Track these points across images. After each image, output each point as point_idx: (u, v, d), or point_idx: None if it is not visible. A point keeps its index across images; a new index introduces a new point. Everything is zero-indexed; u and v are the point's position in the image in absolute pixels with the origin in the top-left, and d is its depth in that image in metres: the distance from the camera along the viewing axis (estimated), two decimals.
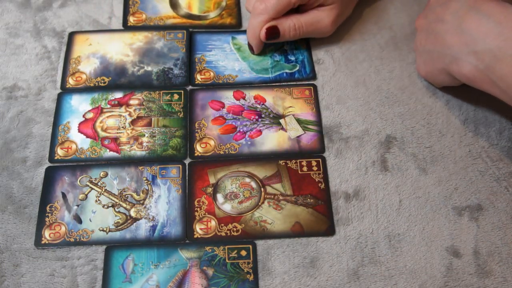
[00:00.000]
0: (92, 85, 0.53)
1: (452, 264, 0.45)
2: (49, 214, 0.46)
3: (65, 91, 0.53)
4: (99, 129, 0.51)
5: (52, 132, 0.50)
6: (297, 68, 0.55)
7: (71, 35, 0.57)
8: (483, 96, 0.51)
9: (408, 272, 0.45)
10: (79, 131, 0.50)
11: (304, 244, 0.46)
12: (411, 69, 0.55)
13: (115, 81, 0.54)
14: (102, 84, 0.53)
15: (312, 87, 0.54)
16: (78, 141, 0.50)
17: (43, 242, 0.45)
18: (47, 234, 0.45)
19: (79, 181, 0.48)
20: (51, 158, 0.49)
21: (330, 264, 0.45)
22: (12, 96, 0.53)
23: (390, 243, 0.46)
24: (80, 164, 0.49)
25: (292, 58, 0.56)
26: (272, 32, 0.53)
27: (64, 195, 0.47)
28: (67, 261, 0.45)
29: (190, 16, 0.58)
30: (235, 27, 0.58)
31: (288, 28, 0.53)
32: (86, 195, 0.47)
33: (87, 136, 0.50)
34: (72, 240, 0.45)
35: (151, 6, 0.59)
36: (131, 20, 0.58)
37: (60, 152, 0.49)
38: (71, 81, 0.53)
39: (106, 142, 0.50)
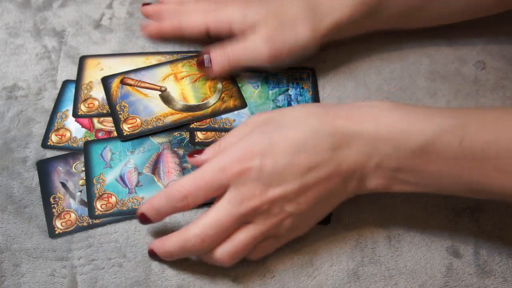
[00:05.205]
0: (105, 111, 0.52)
1: (452, 264, 0.45)
2: (55, 205, 0.47)
3: (77, 117, 0.52)
4: (95, 121, 0.51)
5: (50, 117, 0.51)
6: None
7: (82, 60, 0.55)
8: (483, 97, 0.51)
9: (408, 272, 0.45)
10: (76, 120, 0.51)
11: (303, 243, 0.46)
12: (411, 69, 0.55)
13: None
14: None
15: None
16: (73, 129, 0.51)
17: (57, 232, 0.46)
18: (58, 223, 0.46)
19: (74, 168, 0.48)
20: (44, 143, 0.50)
21: (330, 264, 0.45)
22: (12, 96, 0.53)
23: (390, 243, 0.46)
24: (71, 153, 0.50)
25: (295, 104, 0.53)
26: (200, 62, 0.52)
27: (64, 185, 0.48)
28: (67, 261, 0.45)
29: (188, 108, 0.52)
30: (242, 107, 0.52)
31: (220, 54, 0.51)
32: None
33: (82, 126, 0.51)
34: (85, 224, 0.46)
35: (142, 108, 0.51)
36: (126, 128, 0.50)
37: (54, 138, 0.50)
38: (83, 108, 0.52)
39: (100, 134, 0.50)
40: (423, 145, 0.38)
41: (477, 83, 0.54)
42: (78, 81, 0.54)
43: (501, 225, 0.47)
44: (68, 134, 0.50)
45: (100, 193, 0.47)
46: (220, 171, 0.40)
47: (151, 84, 0.53)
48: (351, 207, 0.47)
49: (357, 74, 0.55)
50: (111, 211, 0.46)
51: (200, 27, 0.52)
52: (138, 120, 0.50)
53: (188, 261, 0.45)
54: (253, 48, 0.50)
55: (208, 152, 0.45)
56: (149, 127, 0.50)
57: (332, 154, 0.40)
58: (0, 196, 0.48)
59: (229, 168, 0.40)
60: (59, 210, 0.47)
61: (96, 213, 0.46)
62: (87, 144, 0.49)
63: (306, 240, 0.46)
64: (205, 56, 0.51)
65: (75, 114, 0.51)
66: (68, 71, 0.55)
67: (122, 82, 0.53)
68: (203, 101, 0.52)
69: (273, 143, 0.40)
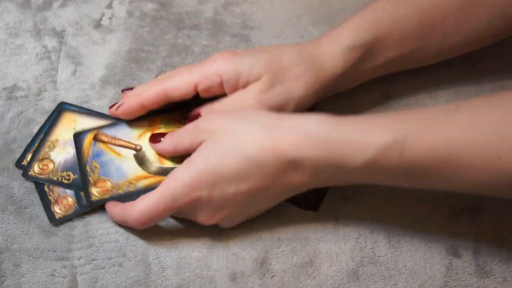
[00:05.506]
0: (55, 179, 0.48)
1: (452, 264, 0.45)
2: (50, 193, 0.47)
3: (27, 177, 0.48)
4: None
5: (35, 142, 0.50)
6: None
7: (61, 111, 0.51)
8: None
9: (408, 272, 0.45)
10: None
11: (303, 243, 0.46)
12: (412, 70, 0.55)
13: (78, 182, 0.47)
14: (65, 181, 0.48)
15: None
16: (56, 161, 0.49)
17: (57, 217, 0.46)
18: (57, 209, 0.46)
19: None
20: (26, 172, 0.48)
21: (330, 264, 0.45)
22: (12, 96, 0.53)
23: (389, 243, 0.46)
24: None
25: None
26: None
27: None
28: (67, 261, 0.45)
29: (164, 171, 0.47)
30: None
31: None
32: None
33: None
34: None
35: (115, 169, 0.47)
36: (95, 192, 0.46)
37: (36, 168, 0.48)
38: (36, 168, 0.48)
39: None
40: (364, 164, 0.40)
41: (477, 83, 0.54)
42: (45, 136, 0.50)
43: (500, 225, 0.47)
44: (51, 166, 0.48)
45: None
46: (172, 201, 0.43)
47: (126, 142, 0.49)
48: (351, 207, 0.47)
49: None
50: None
51: (187, 86, 0.46)
52: (109, 184, 0.47)
53: (188, 261, 0.45)
54: (244, 104, 0.46)
55: (166, 143, 0.47)
56: (120, 192, 0.46)
57: (276, 179, 0.42)
58: (1, 196, 0.48)
59: (180, 197, 0.42)
60: (56, 197, 0.47)
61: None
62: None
63: (306, 240, 0.46)
64: (195, 117, 0.47)
65: (25, 174, 0.48)
66: (68, 72, 0.55)
67: (96, 139, 0.49)
68: (180, 163, 0.45)
69: (219, 175, 0.42)
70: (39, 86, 0.54)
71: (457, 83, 0.54)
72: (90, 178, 0.47)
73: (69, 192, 0.47)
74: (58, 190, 0.47)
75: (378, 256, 0.45)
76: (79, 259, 0.45)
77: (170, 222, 0.47)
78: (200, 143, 0.44)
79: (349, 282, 0.44)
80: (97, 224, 0.46)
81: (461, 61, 0.55)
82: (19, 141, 0.50)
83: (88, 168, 0.47)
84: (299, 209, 0.47)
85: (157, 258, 0.45)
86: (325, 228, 0.47)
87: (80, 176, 0.47)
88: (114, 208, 0.45)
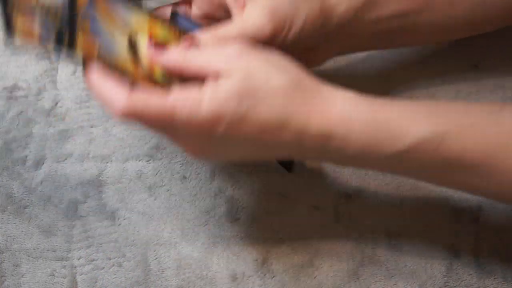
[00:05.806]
0: (38, 11, 0.36)
1: (452, 264, 0.45)
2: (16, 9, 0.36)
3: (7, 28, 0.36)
4: None
5: None
6: None
7: None
8: (483, 97, 0.51)
9: (408, 272, 0.45)
10: None
11: (304, 243, 0.46)
12: (412, 70, 0.55)
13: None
14: (52, 18, 0.36)
15: None
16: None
17: (17, 36, 0.35)
18: (20, 23, 0.36)
19: None
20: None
21: (330, 264, 0.45)
22: (12, 96, 0.53)
23: (390, 243, 0.46)
24: None
25: None
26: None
27: None
28: (67, 261, 0.45)
29: (151, 78, 0.40)
30: None
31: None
32: None
33: None
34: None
35: (105, 39, 0.39)
36: (81, 43, 0.37)
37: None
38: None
39: None
40: (396, 153, 0.38)
41: (477, 83, 0.54)
42: None
43: (501, 225, 0.47)
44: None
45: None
46: (183, 120, 0.37)
47: (123, 23, 0.40)
48: (351, 207, 0.47)
49: (355, 74, 0.55)
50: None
51: None
52: (97, 46, 0.38)
53: (188, 262, 0.45)
54: (251, 22, 0.42)
55: (173, 57, 0.40)
56: (106, 60, 0.38)
57: (295, 142, 0.39)
58: (0, 196, 0.48)
59: (194, 123, 0.37)
60: (20, 12, 0.36)
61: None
62: None
63: (306, 240, 0.46)
64: (191, 41, 0.41)
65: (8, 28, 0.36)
66: (68, 71, 0.55)
67: None
68: (171, 83, 0.40)
69: (245, 120, 0.38)
70: (39, 86, 0.54)
71: (458, 83, 0.54)
72: (78, 26, 0.38)
73: (38, 20, 0.36)
74: (25, 12, 0.36)
75: (379, 256, 0.45)
76: (78, 259, 0.45)
77: (170, 222, 0.47)
78: (217, 75, 0.38)
79: (350, 282, 0.44)
80: (96, 223, 0.46)
81: (462, 60, 0.55)
82: (19, 141, 0.50)
83: (79, 17, 0.38)
84: (300, 210, 0.47)
85: (156, 258, 0.45)
86: (325, 228, 0.47)
87: (67, 19, 0.37)
88: (103, 80, 0.37)
